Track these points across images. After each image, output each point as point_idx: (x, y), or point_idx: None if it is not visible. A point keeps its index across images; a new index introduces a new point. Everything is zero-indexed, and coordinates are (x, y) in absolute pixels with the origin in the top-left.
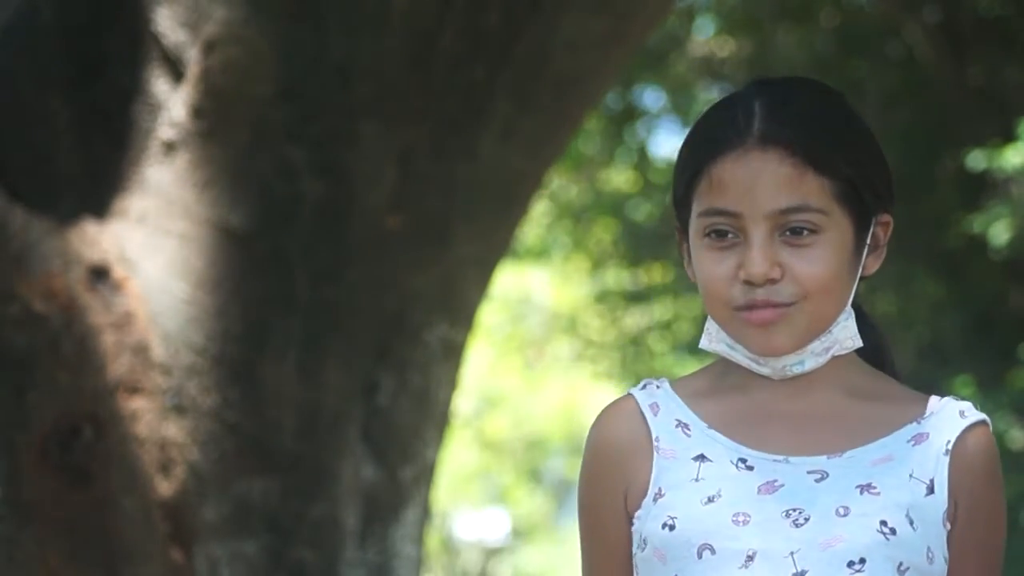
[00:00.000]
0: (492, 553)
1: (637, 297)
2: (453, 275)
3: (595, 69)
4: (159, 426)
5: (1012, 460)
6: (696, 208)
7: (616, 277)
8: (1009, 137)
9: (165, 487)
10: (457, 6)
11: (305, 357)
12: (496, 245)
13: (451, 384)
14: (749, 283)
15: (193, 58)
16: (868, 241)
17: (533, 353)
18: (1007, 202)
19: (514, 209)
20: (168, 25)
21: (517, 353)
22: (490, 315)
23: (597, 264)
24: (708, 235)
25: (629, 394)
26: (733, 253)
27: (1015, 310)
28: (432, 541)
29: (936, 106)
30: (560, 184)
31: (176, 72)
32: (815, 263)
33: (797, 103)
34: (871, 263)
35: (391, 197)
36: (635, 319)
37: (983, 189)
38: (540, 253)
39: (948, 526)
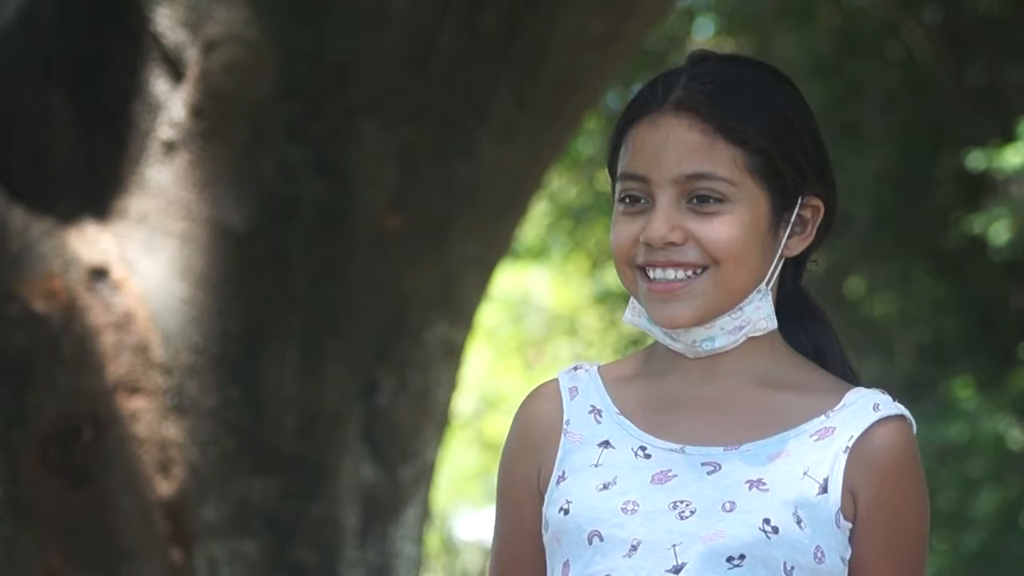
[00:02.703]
0: None
1: None
2: (453, 275)
3: (595, 69)
4: (159, 426)
5: (1012, 460)
6: (617, 174)
7: (615, 278)
8: (1009, 137)
9: (165, 487)
10: (457, 6)
11: (305, 357)
12: (496, 245)
13: (451, 384)
14: (648, 245)
15: (193, 58)
16: (791, 220)
17: (533, 353)
18: (1007, 202)
19: (514, 209)
20: (168, 25)
21: (517, 353)
22: (490, 315)
23: (596, 264)
24: (622, 200)
25: (556, 377)
26: (642, 218)
27: (1015, 310)
28: (432, 541)
29: (936, 106)
30: (559, 184)
31: (176, 72)
32: (720, 230)
33: (722, 74)
34: (795, 244)
35: (391, 197)
36: None
37: (983, 189)
38: (539, 253)
39: (847, 523)
